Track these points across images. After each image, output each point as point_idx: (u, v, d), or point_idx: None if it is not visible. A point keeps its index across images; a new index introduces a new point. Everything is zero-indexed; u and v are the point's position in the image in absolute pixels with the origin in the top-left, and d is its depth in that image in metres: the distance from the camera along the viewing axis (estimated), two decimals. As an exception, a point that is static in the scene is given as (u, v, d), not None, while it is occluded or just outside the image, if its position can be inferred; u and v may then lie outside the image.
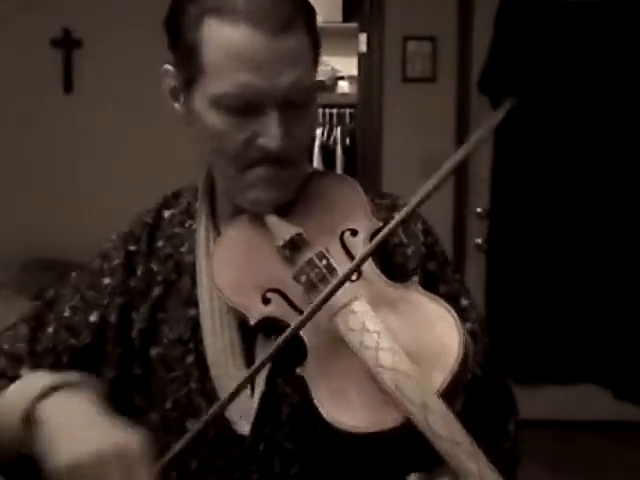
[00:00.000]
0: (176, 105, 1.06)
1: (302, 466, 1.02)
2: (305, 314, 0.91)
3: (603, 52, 3.60)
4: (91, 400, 0.95)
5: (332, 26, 5.05)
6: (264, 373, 1.02)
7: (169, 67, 1.05)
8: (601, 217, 3.69)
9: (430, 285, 1.05)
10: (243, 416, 1.02)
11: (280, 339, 0.90)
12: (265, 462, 1.02)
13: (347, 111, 5.23)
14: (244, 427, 1.02)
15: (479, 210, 3.78)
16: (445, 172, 0.89)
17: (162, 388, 1.07)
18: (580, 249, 3.71)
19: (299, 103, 1.00)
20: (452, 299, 1.07)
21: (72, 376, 0.99)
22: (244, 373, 1.00)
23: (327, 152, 5.21)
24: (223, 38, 0.96)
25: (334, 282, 0.91)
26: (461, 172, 3.76)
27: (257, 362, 0.92)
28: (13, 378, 1.04)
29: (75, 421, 0.91)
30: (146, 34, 3.85)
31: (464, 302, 1.10)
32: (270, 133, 0.98)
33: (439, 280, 1.09)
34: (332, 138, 5.26)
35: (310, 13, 1.03)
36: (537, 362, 3.77)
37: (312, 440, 1.01)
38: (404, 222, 0.95)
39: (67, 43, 3.93)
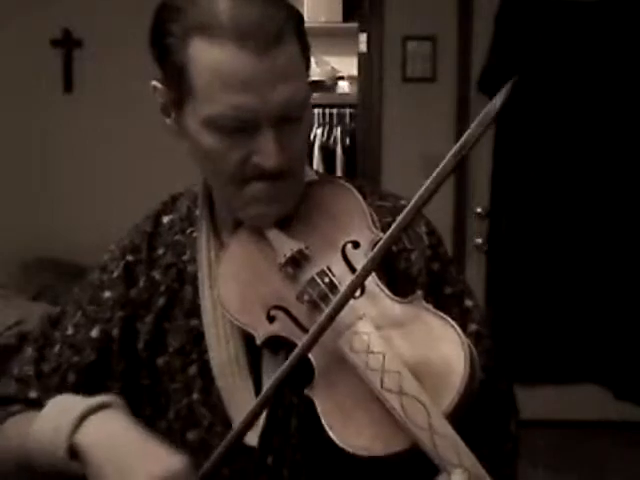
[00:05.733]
0: (168, 121, 1.04)
1: (310, 476, 1.02)
2: (308, 338, 0.91)
3: (603, 52, 3.60)
4: (128, 421, 0.95)
5: (332, 26, 5.05)
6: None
7: (157, 84, 1.03)
8: (601, 217, 3.69)
9: (434, 286, 1.05)
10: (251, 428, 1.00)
11: (285, 366, 0.91)
12: (274, 472, 1.02)
13: (347, 111, 5.22)
14: (252, 439, 1.00)
15: (479, 210, 3.78)
16: (443, 172, 0.89)
17: (167, 397, 1.07)
18: (580, 249, 3.71)
19: (294, 117, 0.98)
20: (456, 300, 1.08)
21: (103, 397, 0.98)
22: (250, 383, 1.02)
23: (327, 152, 5.21)
24: (211, 59, 0.94)
25: (335, 301, 0.91)
26: (461, 172, 3.76)
27: (264, 391, 0.93)
28: (26, 400, 1.07)
29: (119, 450, 0.91)
30: (146, 34, 3.85)
31: (468, 303, 1.10)
32: (266, 151, 0.96)
33: (443, 281, 1.09)
34: (332, 138, 5.25)
35: (298, 20, 0.99)
36: (537, 362, 3.77)
37: (320, 451, 0.99)
38: (404, 230, 0.94)
39: (67, 43, 3.93)
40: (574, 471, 3.47)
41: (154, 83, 1.03)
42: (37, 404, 1.06)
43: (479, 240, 3.80)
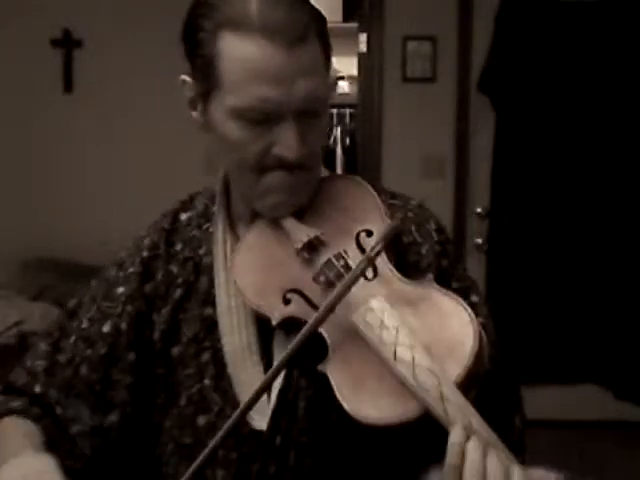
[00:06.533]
0: (194, 114, 1.08)
1: (316, 459, 1.05)
2: (320, 312, 0.94)
3: (603, 52, 3.60)
4: None
5: (332, 26, 4.98)
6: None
7: (186, 78, 1.07)
8: (601, 217, 3.69)
9: (443, 282, 1.07)
10: (260, 411, 1.03)
11: (298, 338, 0.93)
12: (281, 455, 1.05)
13: (347, 111, 5.24)
14: (261, 423, 1.04)
15: (479, 210, 3.78)
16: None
17: (179, 384, 1.11)
18: (580, 249, 3.71)
19: (314, 112, 1.03)
20: (463, 295, 1.10)
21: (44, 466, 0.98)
22: (261, 369, 1.05)
23: (327, 152, 5.22)
24: (240, 53, 0.99)
25: (347, 278, 0.95)
26: (461, 172, 3.77)
27: (277, 363, 0.95)
28: (31, 395, 1.12)
29: None
30: (146, 34, 3.86)
31: (474, 298, 1.14)
32: (287, 143, 1.01)
33: (451, 277, 1.13)
34: (332, 138, 5.26)
35: (322, 22, 1.05)
36: (537, 362, 3.77)
37: (326, 433, 1.04)
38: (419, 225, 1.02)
39: (67, 43, 3.93)
40: (574, 471, 3.46)
41: (183, 77, 1.07)
42: (40, 400, 1.11)
43: (479, 240, 3.80)
